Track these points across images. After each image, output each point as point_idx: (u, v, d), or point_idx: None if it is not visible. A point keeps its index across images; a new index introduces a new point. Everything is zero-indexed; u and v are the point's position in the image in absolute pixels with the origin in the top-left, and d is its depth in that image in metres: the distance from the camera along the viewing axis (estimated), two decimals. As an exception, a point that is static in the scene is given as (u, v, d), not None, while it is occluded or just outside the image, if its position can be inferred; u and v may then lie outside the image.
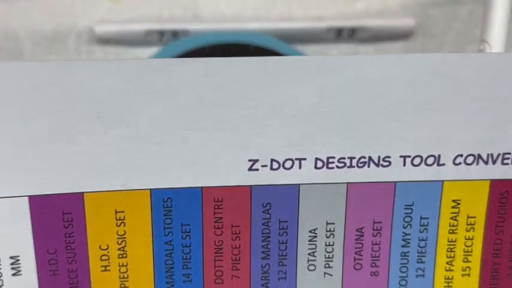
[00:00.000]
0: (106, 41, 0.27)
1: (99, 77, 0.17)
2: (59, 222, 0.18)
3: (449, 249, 0.19)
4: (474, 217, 0.19)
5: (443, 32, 0.28)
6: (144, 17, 0.27)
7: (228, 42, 0.25)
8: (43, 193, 0.18)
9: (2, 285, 0.19)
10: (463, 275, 0.20)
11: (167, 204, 0.18)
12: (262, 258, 0.19)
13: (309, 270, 0.20)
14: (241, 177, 0.18)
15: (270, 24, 0.28)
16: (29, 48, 0.26)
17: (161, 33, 0.27)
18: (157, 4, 0.27)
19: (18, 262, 0.18)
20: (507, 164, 0.19)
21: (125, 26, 0.27)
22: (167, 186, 0.18)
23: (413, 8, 0.29)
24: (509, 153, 0.18)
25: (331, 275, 0.20)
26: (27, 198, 0.18)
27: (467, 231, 0.19)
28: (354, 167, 0.18)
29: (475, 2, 0.28)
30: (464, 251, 0.20)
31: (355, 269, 0.20)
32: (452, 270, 0.20)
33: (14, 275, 0.18)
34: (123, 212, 0.18)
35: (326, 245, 0.19)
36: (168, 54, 0.25)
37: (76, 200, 0.18)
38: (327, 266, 0.20)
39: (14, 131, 0.17)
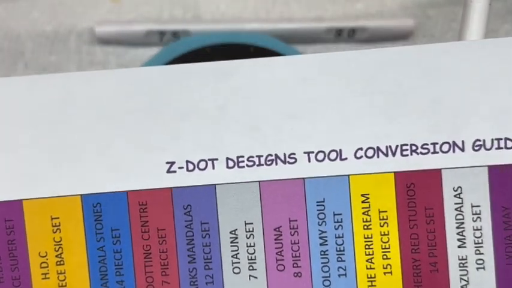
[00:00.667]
0: (106, 41, 0.27)
1: (33, 89, 0.20)
2: (1, 229, 0.20)
3: (367, 246, 0.20)
4: (386, 211, 0.20)
5: (442, 32, 0.29)
6: (145, 18, 0.28)
7: (228, 43, 0.26)
8: (-13, 200, 0.20)
9: (-49, 291, 0.20)
10: (385, 273, 0.20)
11: (97, 209, 0.20)
12: (189, 262, 0.20)
13: (234, 273, 0.20)
14: (161, 180, 0.20)
15: (270, 25, 0.28)
16: (30, 48, 0.26)
17: (162, 34, 0.27)
18: (158, 4, 0.27)
19: (-35, 268, 0.20)
20: (406, 155, 0.20)
21: (125, 26, 0.27)
22: (96, 192, 0.20)
23: (413, 8, 0.29)
24: (407, 145, 0.20)
25: (256, 277, 0.20)
26: (-27, 204, 0.20)
27: (382, 226, 0.20)
28: (263, 165, 0.20)
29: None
30: (382, 248, 0.20)
31: (278, 270, 0.20)
32: (373, 269, 0.20)
33: (-39, 281, 0.20)
34: (58, 218, 0.20)
35: (248, 246, 0.20)
36: (168, 55, 0.26)
37: (16, 207, 0.20)
38: (250, 268, 0.20)
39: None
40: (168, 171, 0.20)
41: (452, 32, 0.29)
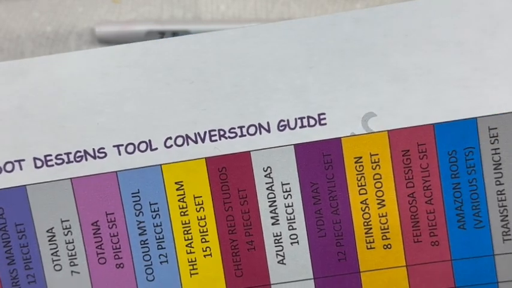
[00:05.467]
0: (107, 41, 0.26)
1: None
2: None
3: (185, 232, 0.20)
4: (201, 197, 0.20)
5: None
6: (145, 18, 0.27)
7: None
8: None
9: None
10: (205, 255, 0.20)
11: None
12: (8, 264, 0.20)
13: (56, 270, 0.20)
14: (-32, 185, 0.19)
15: (270, 25, 0.27)
16: (30, 48, 0.25)
17: (162, 34, 0.26)
18: (158, 5, 0.26)
19: None
20: (215, 140, 0.19)
21: (125, 26, 0.26)
22: None
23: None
24: (215, 130, 0.19)
25: (78, 272, 0.20)
26: None
27: (198, 211, 0.20)
28: (72, 162, 0.19)
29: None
30: (200, 232, 0.20)
31: (99, 263, 0.20)
32: (193, 253, 0.20)
33: None
34: None
35: (66, 243, 0.20)
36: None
37: None
38: (72, 264, 0.20)
39: None
40: (-26, 176, 0.19)
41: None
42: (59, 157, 0.19)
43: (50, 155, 0.19)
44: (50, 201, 0.19)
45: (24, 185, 0.19)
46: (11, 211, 0.19)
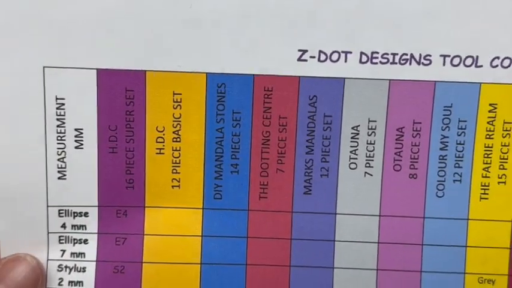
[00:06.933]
0: None
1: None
2: (121, 98, 0.19)
3: (485, 155, 0.20)
4: (510, 123, 0.19)
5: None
6: None
7: None
8: (110, 67, 0.19)
9: (65, 157, 0.19)
10: (499, 182, 0.20)
11: (221, 89, 0.19)
12: (306, 153, 0.20)
13: (350, 168, 0.20)
14: (291, 67, 0.19)
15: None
16: None
17: None
18: None
19: (81, 135, 0.19)
20: (543, 69, 0.19)
21: None
22: (222, 72, 0.19)
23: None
24: (545, 58, 0.19)
25: (371, 174, 0.20)
26: (95, 71, 0.19)
27: (504, 137, 0.20)
28: (396, 63, 0.19)
29: None
30: (501, 158, 0.20)
31: (394, 170, 0.20)
32: (488, 177, 0.20)
33: (76, 148, 0.19)
34: (180, 94, 0.19)
35: (368, 143, 0.20)
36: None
37: (139, 77, 0.19)
38: (367, 165, 0.20)
39: (86, 4, 0.18)
40: (299, 59, 0.19)
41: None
42: (384, 56, 0.19)
43: (377, 53, 0.19)
44: (363, 99, 0.19)
45: (344, 78, 0.19)
46: (324, 101, 0.19)
